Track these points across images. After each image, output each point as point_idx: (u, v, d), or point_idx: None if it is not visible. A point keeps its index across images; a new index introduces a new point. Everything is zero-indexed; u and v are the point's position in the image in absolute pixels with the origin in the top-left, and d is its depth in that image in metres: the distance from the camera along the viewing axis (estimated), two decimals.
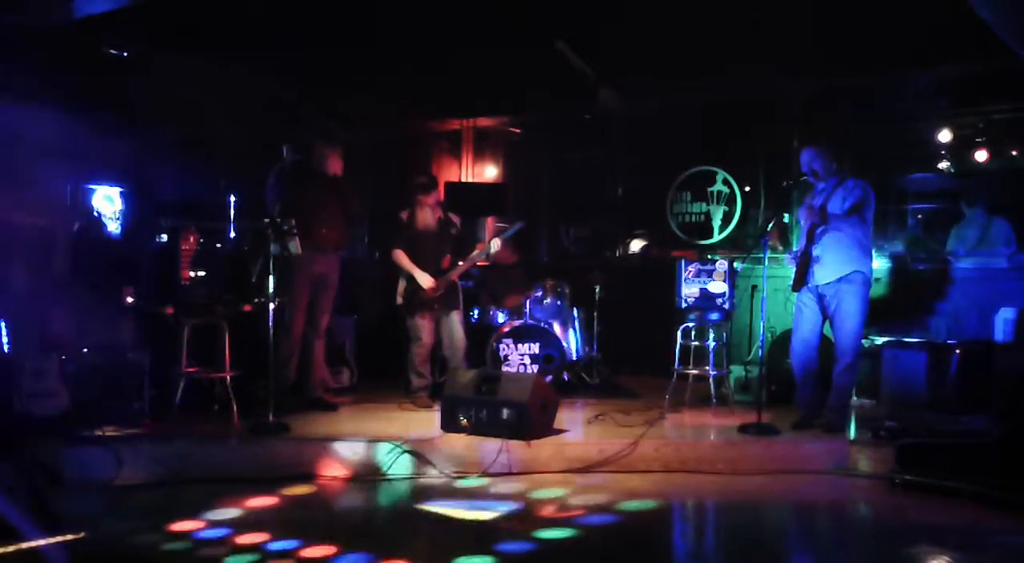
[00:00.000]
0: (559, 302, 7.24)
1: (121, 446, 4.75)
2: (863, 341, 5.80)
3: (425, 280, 6.26)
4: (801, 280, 5.57)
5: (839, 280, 5.45)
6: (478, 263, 6.65)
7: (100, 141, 7.00)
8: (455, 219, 6.58)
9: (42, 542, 3.73)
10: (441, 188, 7.82)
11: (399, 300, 6.38)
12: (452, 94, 8.74)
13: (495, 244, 6.50)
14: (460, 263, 6.42)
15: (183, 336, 5.51)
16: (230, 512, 4.23)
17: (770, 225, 5.64)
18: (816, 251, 5.51)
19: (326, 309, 6.17)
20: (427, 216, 6.42)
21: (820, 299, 5.55)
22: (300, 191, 5.98)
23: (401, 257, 6.35)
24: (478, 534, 4.00)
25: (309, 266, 5.94)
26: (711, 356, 6.33)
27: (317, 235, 5.92)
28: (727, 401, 6.28)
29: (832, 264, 5.46)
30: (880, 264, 6.83)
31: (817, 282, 5.52)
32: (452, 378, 5.65)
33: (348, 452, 4.97)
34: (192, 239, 6.09)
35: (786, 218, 7.17)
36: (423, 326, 6.32)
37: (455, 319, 6.40)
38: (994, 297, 6.27)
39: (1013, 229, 7.16)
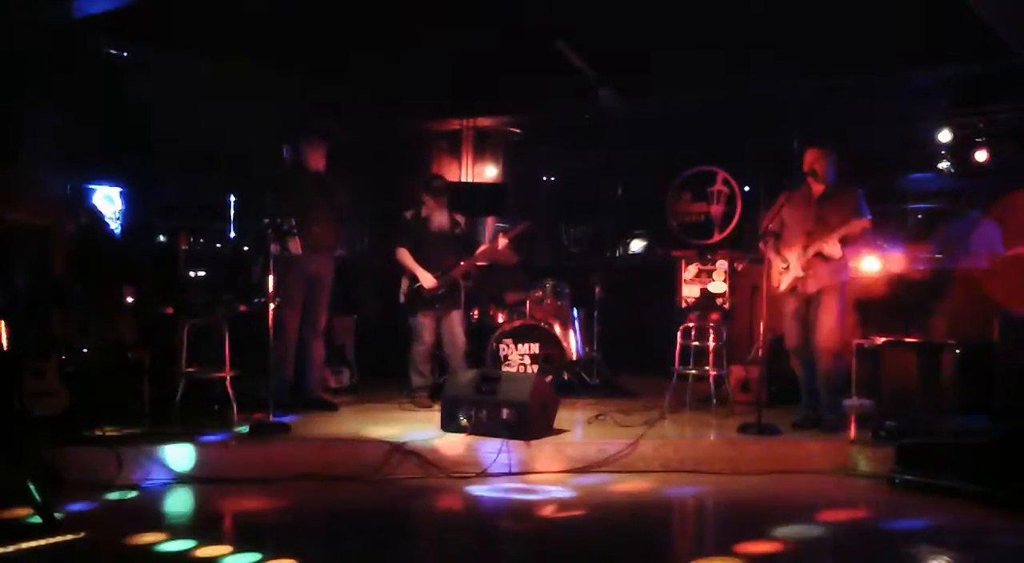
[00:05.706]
0: (559, 302, 7.24)
1: (121, 446, 4.75)
2: (861, 341, 5.79)
3: (427, 279, 6.26)
4: (789, 287, 5.59)
5: (823, 286, 5.49)
6: (478, 263, 6.64)
7: (100, 141, 7.01)
8: (459, 218, 6.60)
9: (42, 542, 3.73)
10: None
11: (402, 299, 6.39)
12: (452, 94, 8.74)
13: (499, 242, 6.49)
14: (462, 262, 6.42)
15: (183, 336, 5.51)
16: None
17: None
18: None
19: (322, 309, 6.15)
20: (439, 216, 6.43)
21: (806, 303, 5.57)
22: (294, 191, 5.97)
23: (405, 256, 6.35)
24: (484, 538, 4.00)
25: (302, 266, 5.92)
26: (711, 356, 6.32)
27: (309, 234, 5.89)
28: (727, 401, 6.28)
29: (820, 275, 5.49)
30: (879, 264, 6.81)
31: (806, 290, 5.54)
32: (452, 378, 5.65)
33: (348, 452, 4.96)
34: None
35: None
36: (425, 325, 6.33)
37: (455, 319, 6.41)
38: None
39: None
